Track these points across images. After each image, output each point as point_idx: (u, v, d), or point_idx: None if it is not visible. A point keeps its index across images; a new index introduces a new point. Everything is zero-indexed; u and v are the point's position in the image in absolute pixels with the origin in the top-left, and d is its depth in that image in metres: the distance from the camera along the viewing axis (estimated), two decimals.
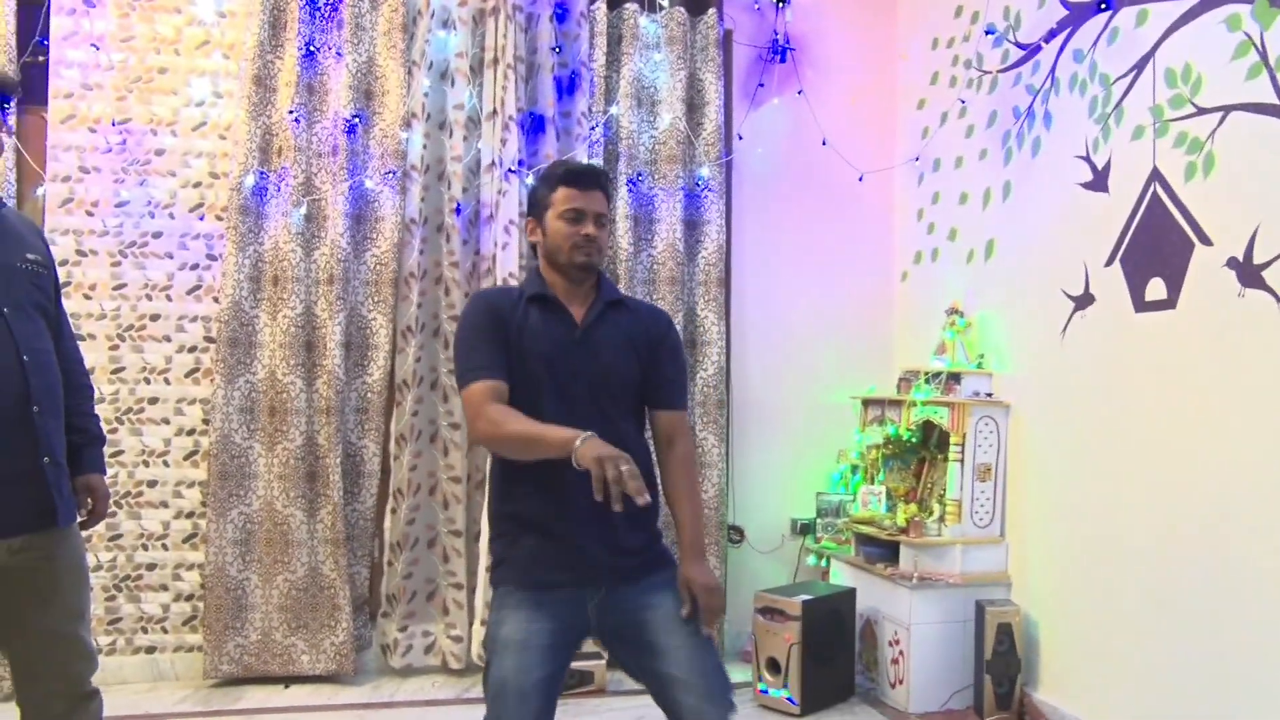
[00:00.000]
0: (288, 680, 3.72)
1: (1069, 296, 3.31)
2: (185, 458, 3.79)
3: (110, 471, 3.62)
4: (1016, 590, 3.55)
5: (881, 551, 3.75)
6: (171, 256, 3.80)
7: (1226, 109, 2.69)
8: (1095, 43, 3.22)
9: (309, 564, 3.74)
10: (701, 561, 1.98)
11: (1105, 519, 3.12)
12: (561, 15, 4.00)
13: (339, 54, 3.79)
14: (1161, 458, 2.90)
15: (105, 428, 3.24)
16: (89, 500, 2.24)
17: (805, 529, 4.25)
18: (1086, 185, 3.25)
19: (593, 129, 3.99)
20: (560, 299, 2.01)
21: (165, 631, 3.75)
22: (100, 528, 3.48)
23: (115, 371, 3.74)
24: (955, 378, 3.69)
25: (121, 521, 3.71)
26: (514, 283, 3.79)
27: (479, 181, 3.91)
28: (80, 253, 3.72)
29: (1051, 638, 3.38)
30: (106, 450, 3.23)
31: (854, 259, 4.43)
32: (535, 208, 2.05)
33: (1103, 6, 3.15)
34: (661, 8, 4.10)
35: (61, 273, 3.54)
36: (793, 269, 4.36)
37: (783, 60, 4.28)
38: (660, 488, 2.09)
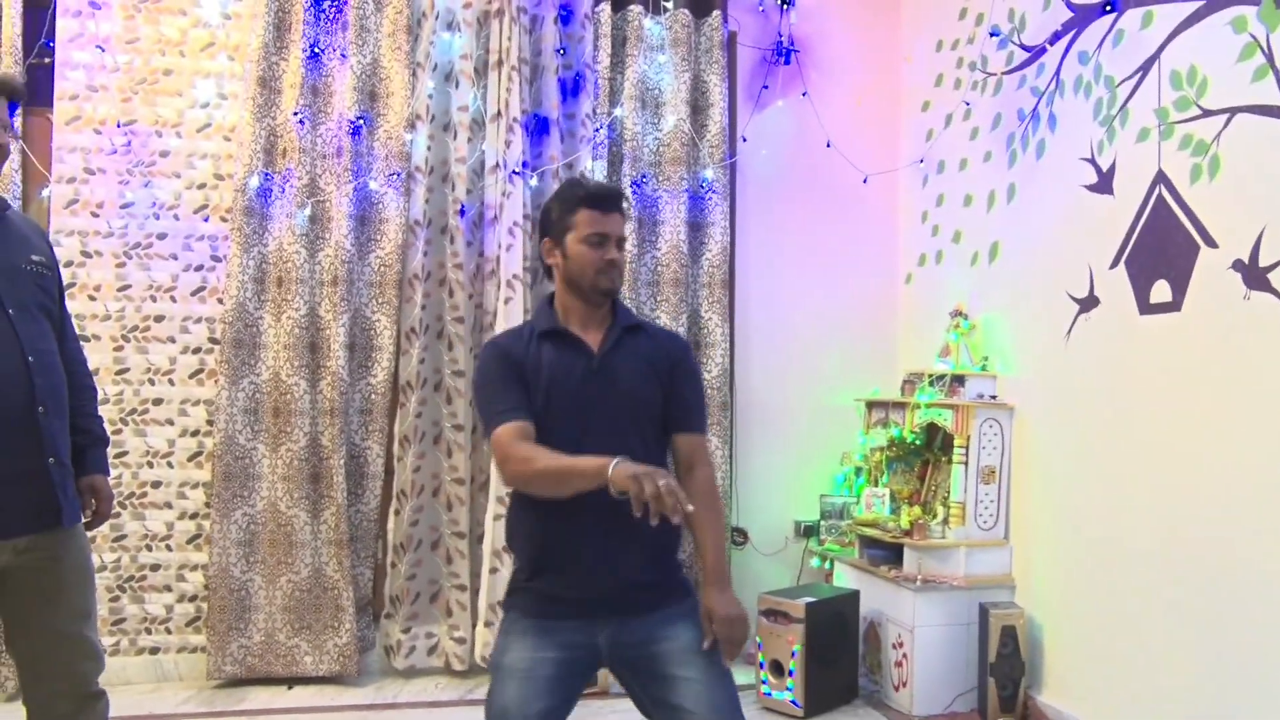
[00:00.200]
0: (291, 681, 3.72)
1: (1073, 299, 3.31)
2: (189, 459, 3.79)
3: (114, 472, 3.62)
4: (1020, 593, 3.54)
5: (885, 554, 3.75)
6: (176, 258, 3.81)
7: (1232, 111, 2.68)
8: (1100, 45, 3.21)
9: (312, 565, 3.74)
10: (724, 590, 1.92)
11: (1109, 522, 3.11)
12: (566, 17, 4.00)
13: (344, 56, 3.79)
14: (1166, 460, 2.89)
15: (109, 429, 3.27)
16: (92, 501, 2.24)
17: (809, 531, 4.24)
18: (1091, 187, 3.24)
19: (597, 131, 3.99)
20: (575, 328, 2.00)
21: (169, 632, 3.76)
22: (104, 528, 3.48)
23: (120, 372, 3.74)
24: (959, 380, 3.68)
25: (125, 522, 3.72)
26: (518, 285, 3.79)
27: (483, 183, 3.92)
28: (85, 254, 3.72)
29: (1056, 640, 3.37)
30: (111, 451, 3.24)
31: (858, 261, 4.43)
32: (553, 229, 2.01)
33: (1108, 8, 3.15)
34: (666, 10, 4.10)
35: (66, 274, 3.58)
36: (797, 271, 4.36)
37: (787, 62, 4.28)
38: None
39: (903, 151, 4.42)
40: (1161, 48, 2.94)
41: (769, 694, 3.55)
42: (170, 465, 3.78)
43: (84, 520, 2.21)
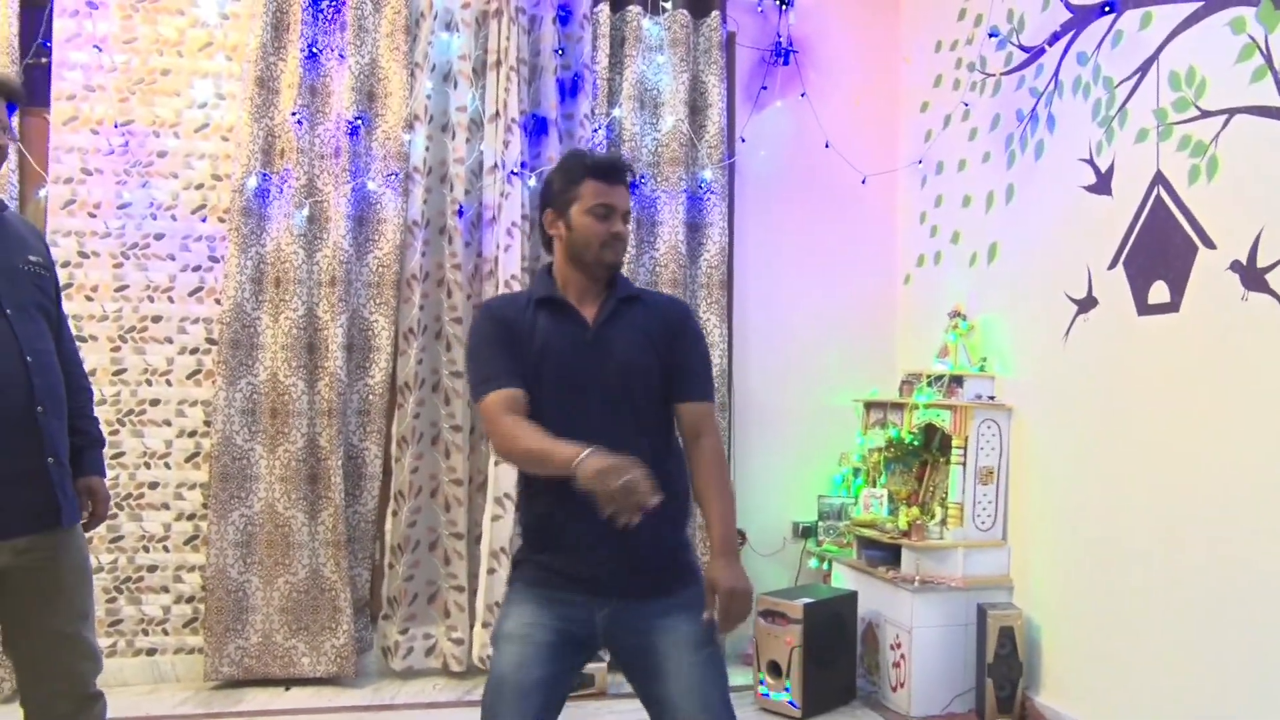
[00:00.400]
0: (288, 683, 3.72)
1: (1072, 300, 3.31)
2: (187, 459, 3.78)
3: (111, 473, 3.62)
4: (1018, 594, 3.54)
5: (883, 555, 3.75)
6: (173, 258, 3.80)
7: (1231, 112, 2.68)
8: (1099, 45, 3.21)
9: (310, 566, 3.73)
10: (731, 562, 1.83)
11: (1108, 523, 3.11)
12: (564, 17, 4.00)
13: (342, 56, 3.79)
14: (1164, 461, 2.89)
15: (106, 429, 3.26)
16: (89, 503, 2.24)
17: (807, 532, 4.24)
18: (1090, 188, 3.24)
19: (595, 131, 3.99)
20: (572, 299, 1.94)
21: (166, 633, 3.75)
22: (101, 529, 3.46)
23: (117, 373, 3.73)
24: (957, 381, 3.68)
25: (123, 523, 3.71)
26: (516, 286, 3.79)
27: (481, 184, 3.91)
28: (82, 254, 3.72)
29: (1054, 641, 3.37)
30: (108, 452, 3.24)
31: (856, 262, 4.42)
32: (556, 200, 1.94)
33: (1107, 9, 3.15)
34: (664, 10, 4.10)
35: (63, 274, 3.57)
36: (795, 272, 4.36)
37: (785, 63, 4.28)
38: (689, 486, 1.99)
39: (901, 152, 4.42)
40: (1160, 49, 2.94)
41: (766, 695, 3.55)
42: (167, 466, 3.77)
43: (81, 522, 2.20)
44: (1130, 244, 3.05)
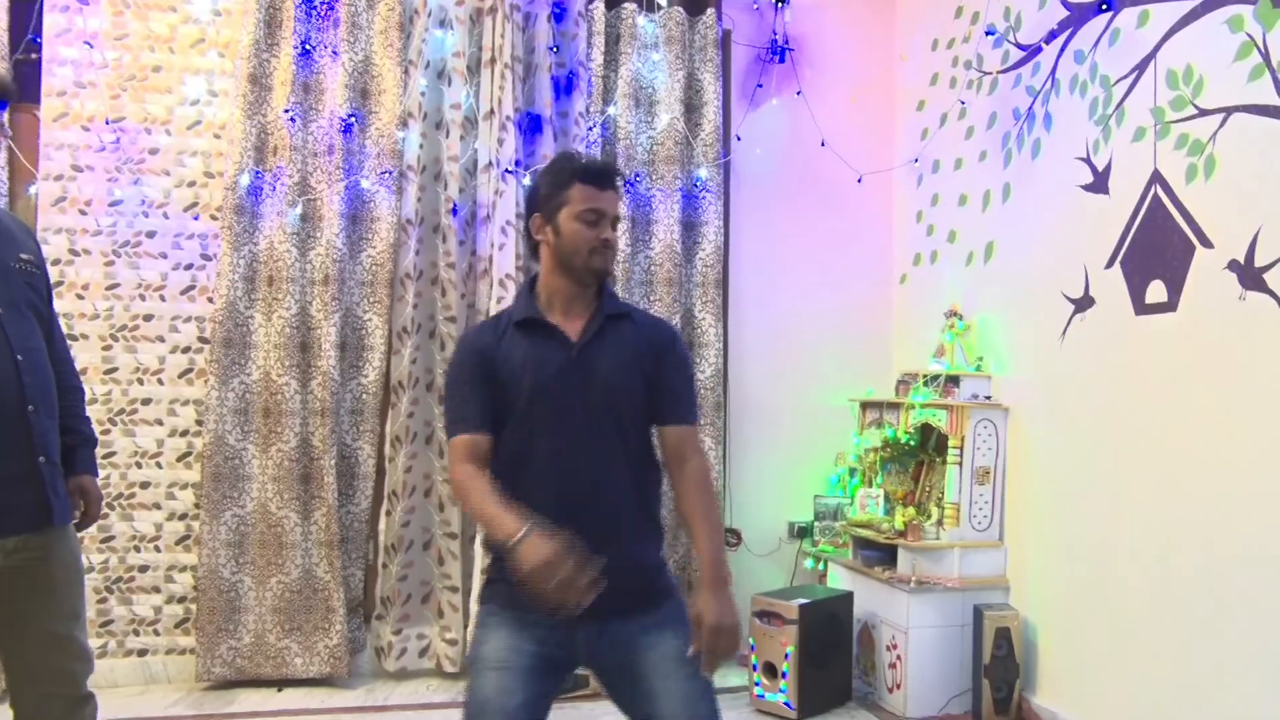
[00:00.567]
0: (281, 683, 3.69)
1: (1069, 299, 3.29)
2: (179, 459, 3.76)
3: (103, 473, 3.58)
4: (1015, 594, 3.53)
5: (879, 555, 3.73)
6: (165, 256, 3.77)
7: (1228, 111, 2.67)
8: (1096, 44, 3.20)
9: (303, 566, 3.71)
10: (718, 594, 1.75)
11: (1105, 523, 3.10)
12: (559, 15, 3.98)
13: (335, 53, 3.77)
14: (1162, 461, 2.88)
15: (98, 429, 3.23)
16: (81, 502, 2.23)
17: (803, 532, 4.23)
18: (1087, 187, 3.23)
19: (590, 129, 3.96)
20: (557, 311, 1.89)
21: (157, 634, 3.73)
22: (92, 529, 3.44)
23: (108, 372, 3.71)
24: (954, 380, 3.67)
25: (114, 523, 3.68)
26: (511, 285, 3.77)
27: (476, 182, 3.89)
28: (73, 252, 3.69)
29: (1050, 642, 3.36)
30: (99, 451, 3.20)
31: (853, 261, 4.41)
32: (544, 204, 1.88)
33: (1104, 7, 3.14)
34: (660, 7, 4.08)
35: (54, 272, 3.54)
36: (791, 271, 4.34)
37: (781, 61, 4.26)
38: (676, 509, 1.97)
39: (898, 151, 4.41)
40: (1157, 47, 2.93)
41: (762, 696, 3.53)
42: (159, 466, 3.74)
43: (73, 521, 2.19)
44: (1128, 243, 3.04)
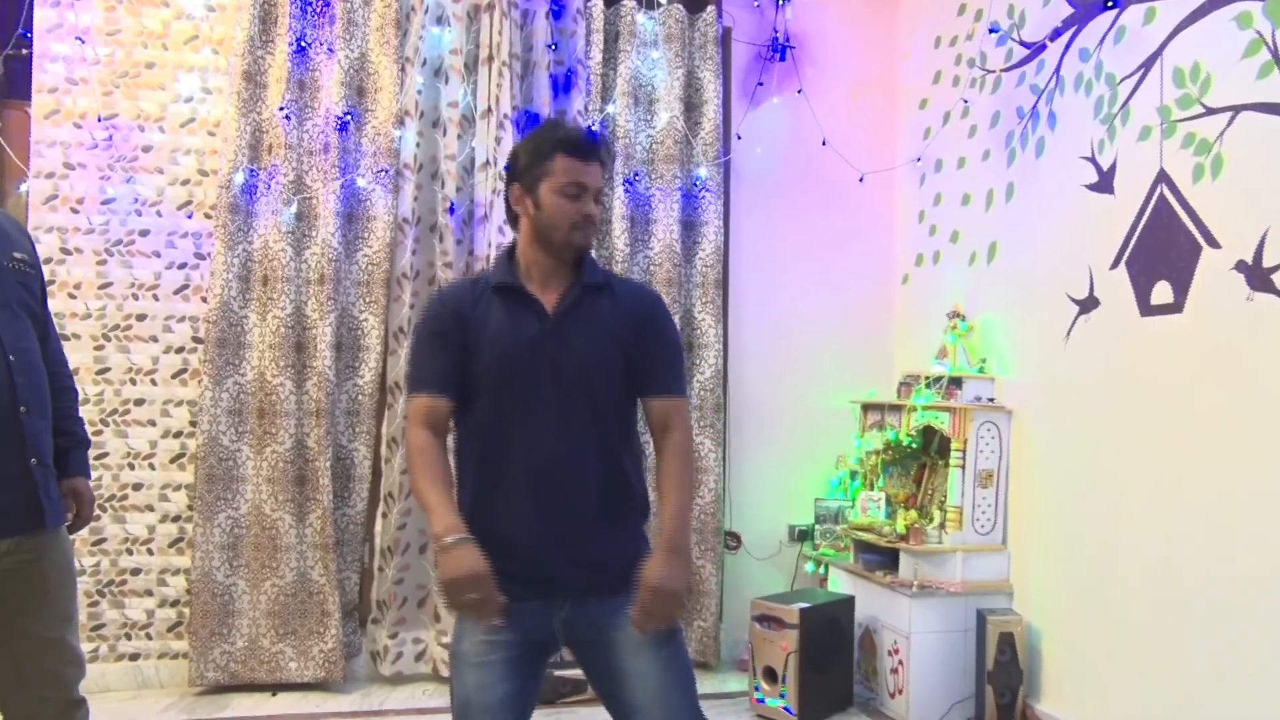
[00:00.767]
0: (275, 688, 3.66)
1: (1073, 300, 3.26)
2: (172, 460, 3.72)
3: (95, 474, 3.55)
4: (1019, 599, 3.49)
5: (881, 559, 3.69)
6: (159, 255, 3.73)
7: (1236, 109, 2.63)
8: (1101, 41, 3.16)
9: (298, 569, 3.67)
10: (668, 558, 1.71)
11: (1110, 527, 3.06)
12: (558, 12, 3.94)
13: (331, 50, 3.73)
14: (1168, 464, 2.84)
15: (90, 430, 3.19)
16: (74, 504, 2.21)
17: (803, 535, 4.19)
18: (1092, 187, 3.19)
19: (589, 127, 3.93)
20: (535, 284, 1.83)
21: (150, 638, 3.68)
22: (84, 532, 3.40)
23: (100, 372, 3.66)
24: (957, 382, 3.63)
25: (106, 525, 3.64)
26: None
27: (473, 180, 3.85)
28: (65, 251, 3.65)
29: (1054, 648, 3.32)
30: (91, 453, 3.16)
31: (854, 261, 4.37)
32: (524, 175, 1.82)
33: (1109, 4, 3.10)
34: (659, 4, 4.05)
35: (46, 271, 3.49)
36: (792, 271, 4.31)
37: (782, 58, 4.23)
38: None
39: (900, 150, 4.37)
40: (1164, 44, 2.89)
41: (762, 701, 3.49)
42: (152, 467, 3.70)
43: (66, 523, 2.17)
44: (1133, 243, 3.00)
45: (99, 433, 3.62)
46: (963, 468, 3.50)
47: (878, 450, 3.96)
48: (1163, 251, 2.87)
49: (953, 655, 3.43)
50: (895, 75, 4.43)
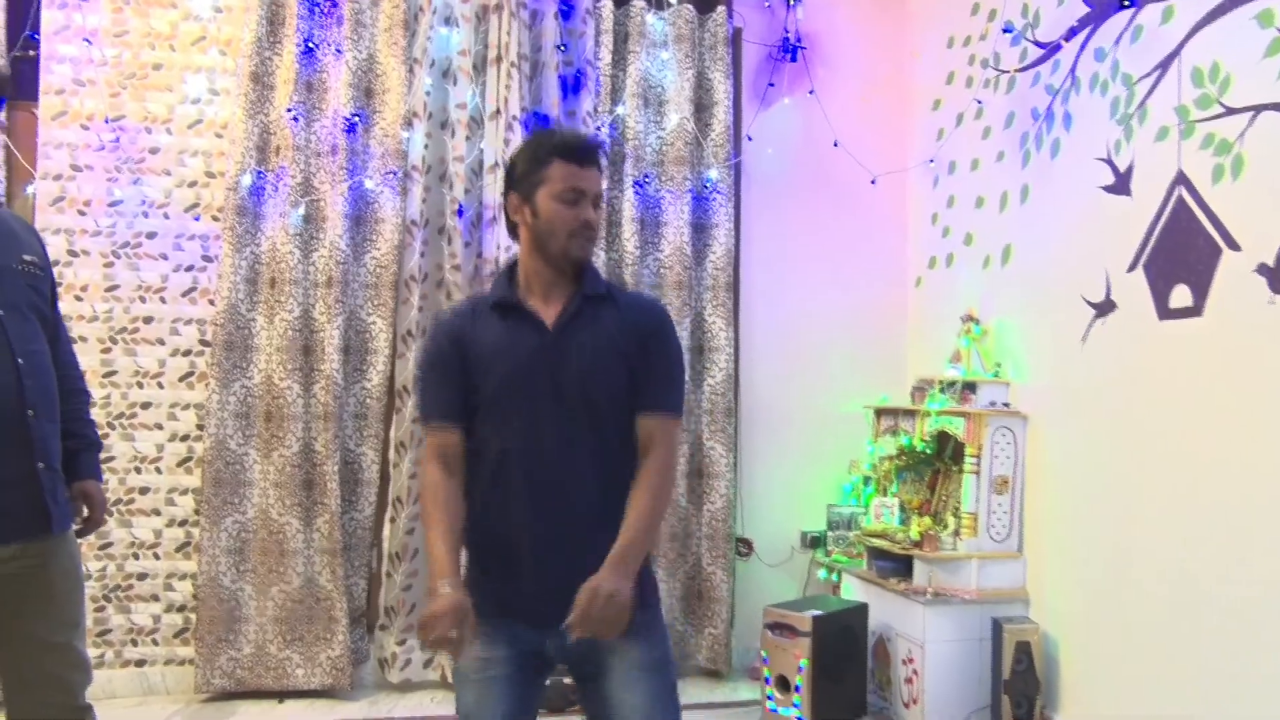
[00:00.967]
0: (282, 695, 3.64)
1: (1089, 303, 3.21)
2: (179, 464, 3.70)
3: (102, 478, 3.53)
4: (1035, 607, 3.44)
5: (894, 566, 3.65)
6: (166, 257, 3.72)
7: (1257, 109, 2.59)
8: (1118, 41, 3.12)
9: (305, 574, 3.64)
10: (613, 567, 1.66)
11: (1127, 534, 3.02)
12: (567, 12, 3.92)
13: (339, 51, 3.71)
14: (1186, 471, 2.80)
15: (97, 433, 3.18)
16: (84, 507, 2.21)
17: (816, 542, 4.15)
18: (1108, 188, 3.15)
19: (598, 129, 3.90)
20: (535, 297, 1.81)
21: (156, 644, 3.66)
22: (90, 536, 3.39)
23: (107, 375, 3.65)
24: (971, 387, 3.59)
25: (112, 530, 3.62)
26: None
27: (482, 182, 3.83)
28: (72, 253, 3.63)
29: (1072, 657, 3.27)
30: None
31: (866, 264, 4.34)
32: (521, 183, 1.80)
33: (1125, 3, 3.06)
34: (669, 5, 4.02)
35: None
36: (803, 274, 4.27)
37: (794, 59, 4.20)
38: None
39: (912, 151, 4.33)
40: (1182, 44, 2.85)
41: (775, 710, 3.46)
42: (159, 471, 3.68)
43: (76, 527, 2.17)
44: (1150, 246, 2.95)
45: (106, 436, 3.60)
46: (977, 473, 3.46)
47: (891, 456, 3.93)
48: (1181, 254, 2.83)
49: (968, 664, 3.39)
50: (907, 76, 4.39)
